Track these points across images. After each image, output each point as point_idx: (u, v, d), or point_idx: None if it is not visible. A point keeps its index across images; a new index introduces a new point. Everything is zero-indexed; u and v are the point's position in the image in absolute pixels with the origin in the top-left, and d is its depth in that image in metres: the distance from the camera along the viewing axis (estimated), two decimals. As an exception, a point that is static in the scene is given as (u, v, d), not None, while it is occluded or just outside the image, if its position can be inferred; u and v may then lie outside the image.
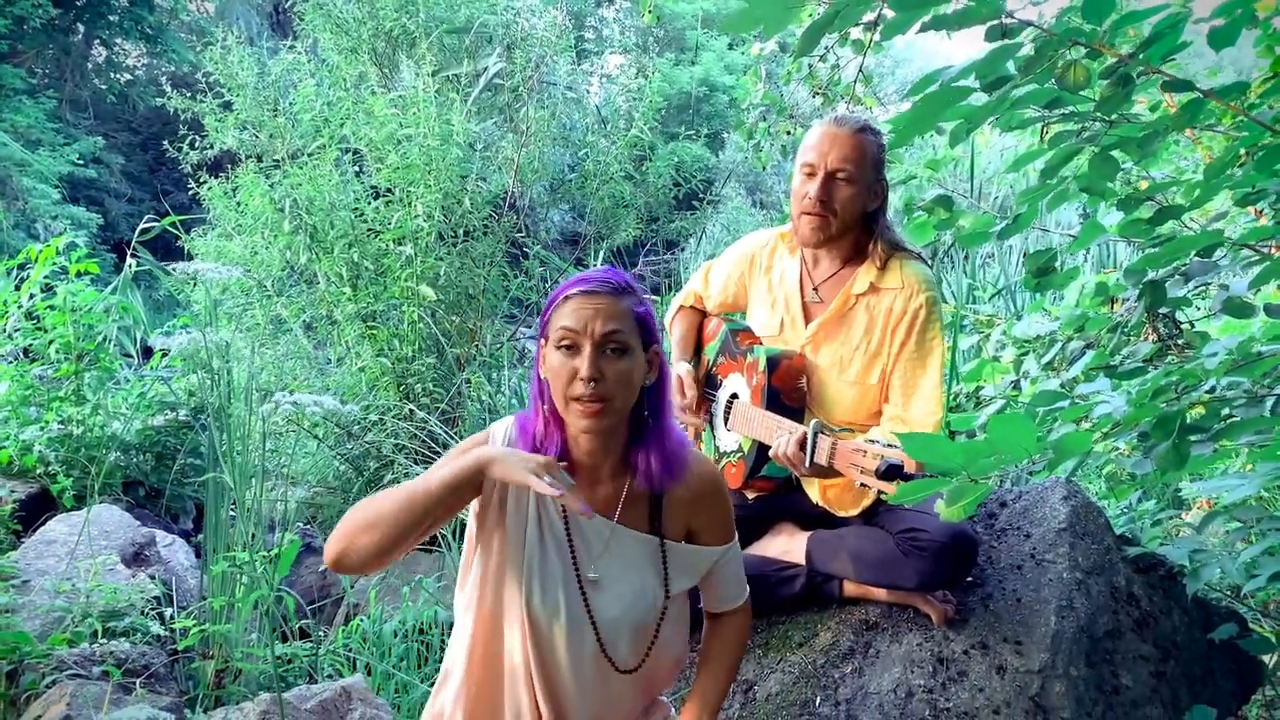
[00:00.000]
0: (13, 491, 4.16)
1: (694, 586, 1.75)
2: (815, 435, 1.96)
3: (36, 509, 4.10)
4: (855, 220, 2.31)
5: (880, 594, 2.26)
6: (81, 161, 15.47)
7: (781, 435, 2.08)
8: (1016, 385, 3.87)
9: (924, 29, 1.62)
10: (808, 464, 1.97)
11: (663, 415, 1.64)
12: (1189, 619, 2.37)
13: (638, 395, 1.60)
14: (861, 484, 1.82)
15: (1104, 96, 1.77)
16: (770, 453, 2.11)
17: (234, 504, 3.12)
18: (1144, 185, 2.29)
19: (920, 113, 1.63)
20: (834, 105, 4.49)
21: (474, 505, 1.62)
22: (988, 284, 6.12)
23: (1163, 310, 3.08)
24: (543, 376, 1.60)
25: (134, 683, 2.35)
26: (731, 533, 1.76)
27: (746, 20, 1.57)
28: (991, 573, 2.28)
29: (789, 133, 4.72)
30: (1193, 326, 3.45)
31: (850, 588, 2.29)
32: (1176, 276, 2.12)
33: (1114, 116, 1.82)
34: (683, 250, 10.52)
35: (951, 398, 4.35)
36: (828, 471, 1.96)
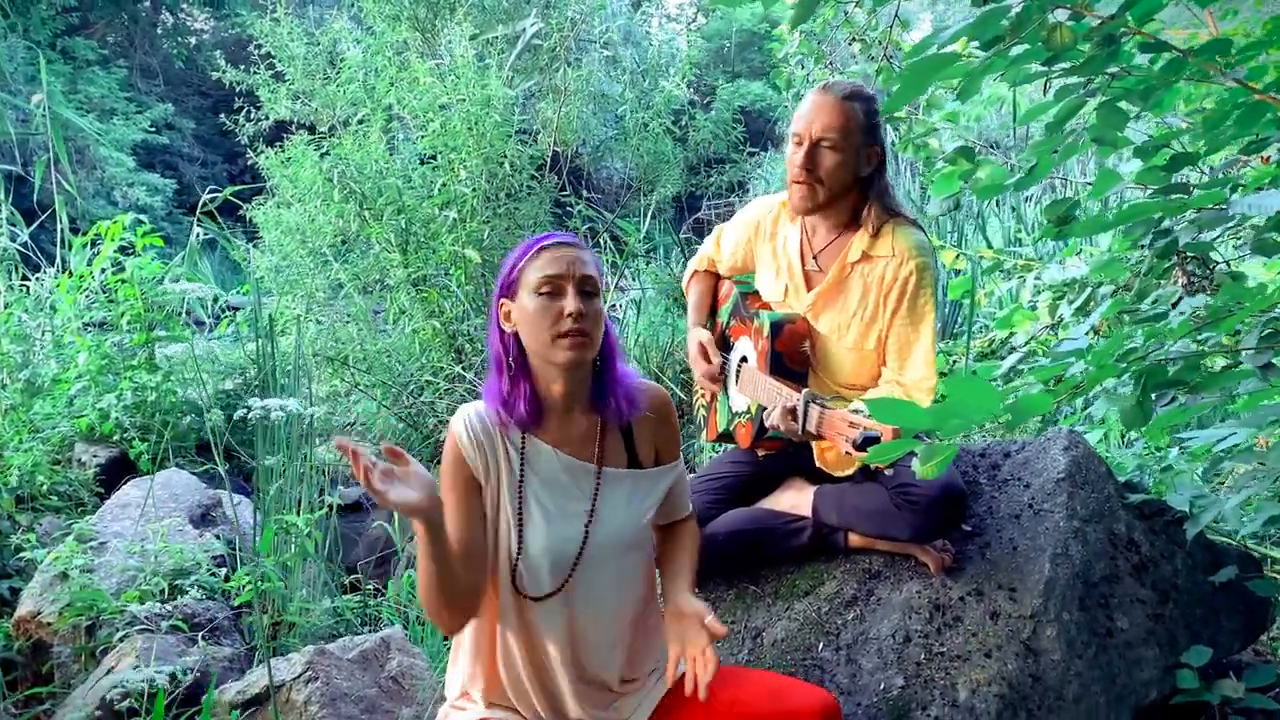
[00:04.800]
0: (95, 456, 4.46)
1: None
2: (806, 405, 2.05)
3: (117, 472, 4.38)
4: (845, 187, 2.35)
5: (882, 544, 2.37)
6: (154, 128, 15.95)
7: (776, 403, 2.17)
8: (1055, 329, 3.90)
9: (909, -7, 1.69)
10: (800, 431, 2.07)
11: (614, 358, 1.81)
12: (1192, 563, 2.43)
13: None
14: (846, 452, 1.92)
15: (1089, 57, 1.82)
16: (765, 421, 2.21)
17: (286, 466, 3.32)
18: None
19: (911, 79, 1.69)
20: (870, 51, 4.50)
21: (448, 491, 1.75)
22: (1035, 226, 6.05)
23: (1191, 254, 3.09)
24: (508, 330, 1.73)
25: (197, 636, 2.57)
26: (679, 450, 1.95)
27: (730, -4, 1.65)
28: (991, 522, 2.37)
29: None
30: (1229, 266, 3.42)
31: (855, 539, 2.39)
32: (1188, 224, 2.14)
33: (1115, 69, 1.86)
34: (748, 192, 10.46)
35: (987, 344, 4.39)
36: (819, 437, 2.06)
